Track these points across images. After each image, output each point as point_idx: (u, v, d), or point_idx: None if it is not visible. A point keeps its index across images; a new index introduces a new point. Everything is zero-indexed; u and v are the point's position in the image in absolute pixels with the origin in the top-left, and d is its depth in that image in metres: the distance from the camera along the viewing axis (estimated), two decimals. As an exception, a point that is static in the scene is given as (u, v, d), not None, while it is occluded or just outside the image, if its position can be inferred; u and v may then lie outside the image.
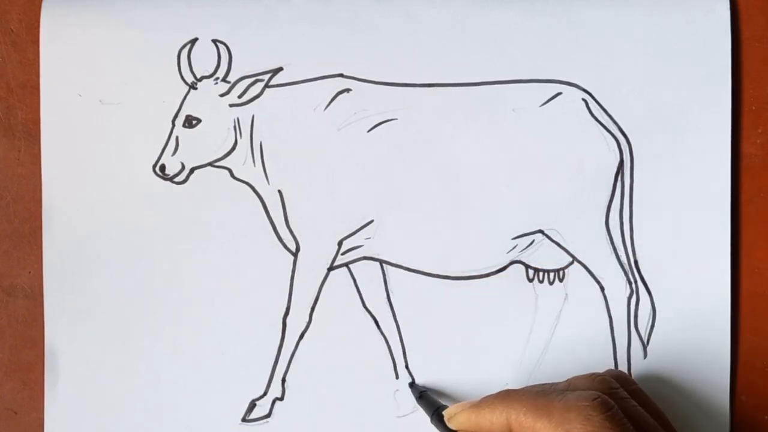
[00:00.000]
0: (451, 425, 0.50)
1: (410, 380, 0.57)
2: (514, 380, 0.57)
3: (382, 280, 0.57)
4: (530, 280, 0.57)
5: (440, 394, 0.57)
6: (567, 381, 0.50)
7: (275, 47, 0.57)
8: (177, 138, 0.57)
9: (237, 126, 0.57)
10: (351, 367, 0.57)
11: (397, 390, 0.57)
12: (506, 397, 0.48)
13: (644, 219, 0.57)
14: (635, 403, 0.48)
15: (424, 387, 0.56)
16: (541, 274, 0.57)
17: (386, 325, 0.57)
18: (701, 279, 0.56)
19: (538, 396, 0.47)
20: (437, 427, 0.52)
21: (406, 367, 0.57)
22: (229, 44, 0.57)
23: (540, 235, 0.57)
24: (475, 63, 0.57)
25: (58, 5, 0.57)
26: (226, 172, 0.57)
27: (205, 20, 0.57)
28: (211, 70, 0.57)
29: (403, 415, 0.57)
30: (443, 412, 0.51)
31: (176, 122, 0.57)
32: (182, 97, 0.57)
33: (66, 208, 0.57)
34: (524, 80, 0.57)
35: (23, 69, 0.58)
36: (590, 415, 0.44)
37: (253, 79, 0.57)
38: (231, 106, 0.57)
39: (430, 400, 0.55)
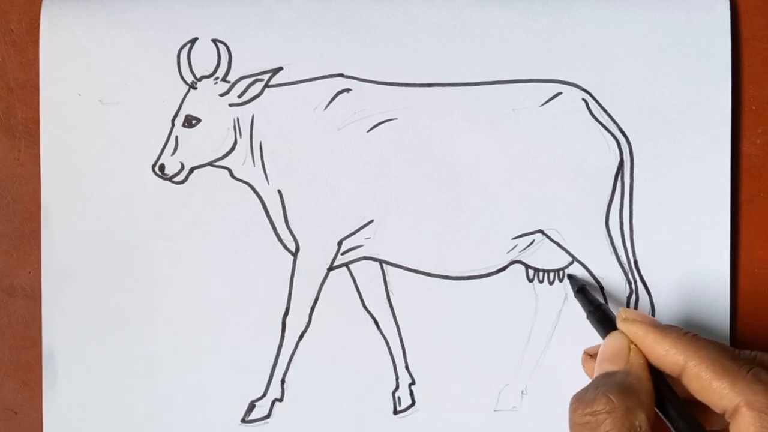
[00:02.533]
0: (622, 326, 0.49)
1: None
2: (514, 380, 0.57)
3: (382, 280, 0.57)
4: (530, 280, 0.57)
5: (440, 392, 0.57)
6: (753, 353, 0.48)
7: (275, 47, 0.57)
8: (177, 138, 0.57)
9: (237, 126, 0.57)
10: (351, 368, 0.57)
11: (396, 390, 0.57)
12: (693, 340, 0.46)
13: (644, 219, 0.57)
14: None
15: (583, 281, 0.56)
16: (541, 274, 0.57)
17: (386, 325, 0.57)
18: (701, 279, 0.56)
19: (726, 356, 0.45)
20: (593, 323, 0.52)
21: (406, 367, 0.57)
22: (229, 44, 0.57)
23: (540, 234, 0.57)
24: (475, 63, 0.57)
25: (58, 5, 0.57)
26: (226, 172, 0.57)
27: (205, 20, 0.57)
28: (211, 70, 0.57)
29: (403, 416, 0.57)
30: (621, 310, 0.50)
31: (176, 122, 0.57)
32: (182, 97, 0.57)
33: (65, 208, 0.57)
34: (524, 80, 0.57)
35: (23, 69, 0.58)
36: None
37: (252, 78, 0.57)
38: (231, 105, 0.57)
39: (589, 296, 0.54)
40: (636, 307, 0.57)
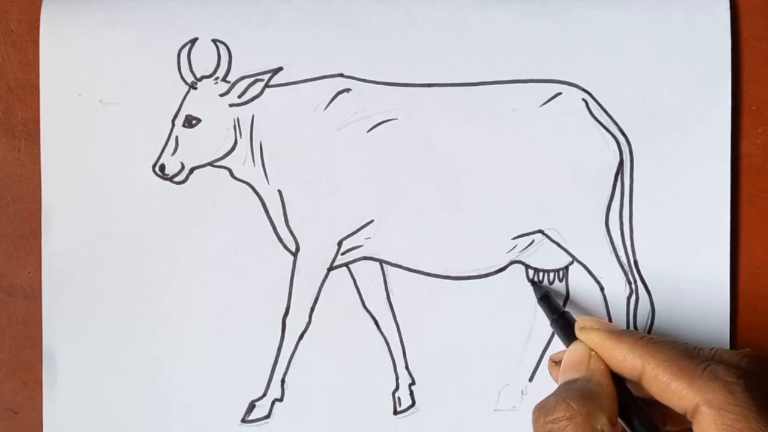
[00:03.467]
0: (580, 335, 0.49)
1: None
2: (514, 380, 0.57)
3: (382, 280, 0.57)
4: (530, 280, 0.57)
5: (440, 392, 0.57)
6: (712, 350, 0.47)
7: (275, 47, 0.57)
8: (177, 138, 0.57)
9: (237, 126, 0.57)
10: (351, 368, 0.57)
11: (396, 390, 0.57)
12: (649, 344, 0.46)
13: (644, 219, 0.57)
14: None
15: (547, 288, 0.56)
16: (541, 274, 0.57)
17: (386, 325, 0.57)
18: (701, 279, 0.56)
19: (683, 356, 0.45)
20: (557, 331, 0.52)
21: (406, 367, 0.57)
22: (229, 44, 0.57)
23: (540, 235, 0.57)
24: (475, 63, 0.57)
25: (58, 5, 0.57)
26: (226, 172, 0.57)
27: (205, 20, 0.57)
28: (211, 70, 0.57)
29: (403, 416, 0.57)
30: (577, 320, 0.50)
31: (176, 122, 0.57)
32: (182, 97, 0.57)
33: (65, 208, 0.57)
34: (524, 80, 0.57)
35: (23, 69, 0.58)
36: (734, 391, 0.42)
37: (253, 78, 0.57)
38: (231, 105, 0.57)
39: (552, 303, 0.54)
40: (636, 307, 0.57)
